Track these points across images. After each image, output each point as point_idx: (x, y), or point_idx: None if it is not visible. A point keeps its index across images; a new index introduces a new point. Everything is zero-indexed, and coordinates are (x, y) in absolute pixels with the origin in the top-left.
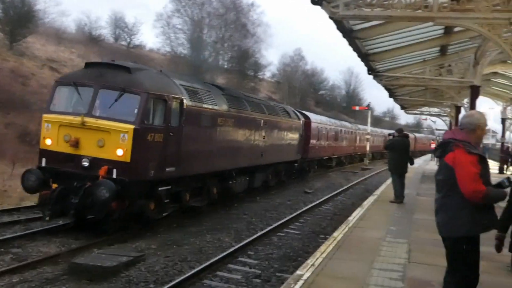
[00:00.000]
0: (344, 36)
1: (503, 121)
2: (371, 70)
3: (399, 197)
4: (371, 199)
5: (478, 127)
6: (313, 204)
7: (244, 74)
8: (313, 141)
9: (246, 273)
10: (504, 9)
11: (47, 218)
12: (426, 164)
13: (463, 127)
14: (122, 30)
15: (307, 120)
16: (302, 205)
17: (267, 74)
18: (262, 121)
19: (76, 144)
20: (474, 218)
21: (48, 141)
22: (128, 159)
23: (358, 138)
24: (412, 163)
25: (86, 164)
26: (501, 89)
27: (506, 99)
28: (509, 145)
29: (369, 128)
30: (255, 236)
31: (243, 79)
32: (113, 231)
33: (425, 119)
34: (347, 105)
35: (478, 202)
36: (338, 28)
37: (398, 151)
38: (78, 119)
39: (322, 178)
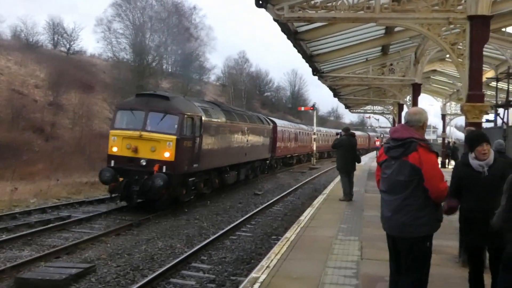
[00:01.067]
0: (289, 38)
1: (443, 117)
2: (315, 71)
3: (348, 195)
4: (320, 198)
5: (424, 124)
6: (264, 205)
7: (189, 77)
8: (279, 143)
9: (200, 279)
10: (442, 9)
11: (118, 201)
12: (371, 161)
13: (412, 124)
14: (61, 36)
15: (274, 125)
16: (252, 207)
17: (212, 77)
18: (246, 128)
19: (136, 150)
20: (434, 215)
21: (115, 149)
22: (173, 159)
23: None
24: (359, 161)
25: (144, 163)
26: (440, 86)
27: (445, 95)
28: (450, 140)
29: (315, 128)
30: (207, 241)
31: (188, 82)
32: (164, 207)
33: (369, 117)
34: (293, 106)
35: (439, 201)
36: (283, 30)
37: (346, 149)
38: (136, 133)
39: (271, 180)
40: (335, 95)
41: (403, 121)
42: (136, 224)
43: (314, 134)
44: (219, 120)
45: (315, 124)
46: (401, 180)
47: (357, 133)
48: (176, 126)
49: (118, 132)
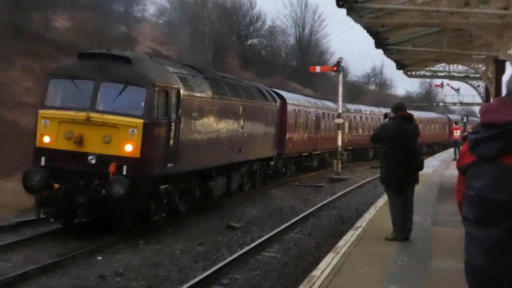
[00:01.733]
0: None
1: None
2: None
3: (400, 229)
4: (351, 235)
5: None
6: (246, 249)
7: (105, 10)
8: (290, 133)
9: None
10: None
11: (52, 220)
12: (445, 166)
13: None
14: None
15: (283, 102)
16: (224, 251)
17: (150, 9)
18: (241, 107)
19: (80, 141)
20: None
21: (47, 139)
22: (138, 155)
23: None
24: (420, 167)
25: (93, 161)
26: None
27: None
28: None
29: (340, 105)
30: None
31: (106, 19)
32: (128, 229)
33: (440, 86)
34: (300, 64)
35: None
36: None
37: (394, 145)
38: (82, 114)
39: (260, 200)
40: (379, 45)
41: (503, 93)
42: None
43: (338, 116)
44: (203, 95)
45: (340, 97)
46: (502, 199)
47: (421, 114)
48: (143, 104)
49: (52, 112)
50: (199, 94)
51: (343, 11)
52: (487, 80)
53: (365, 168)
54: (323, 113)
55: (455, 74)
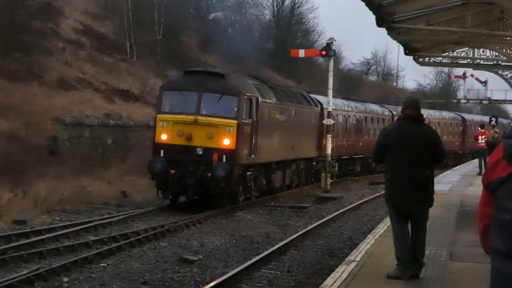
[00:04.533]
0: None
1: None
2: None
3: (407, 264)
4: (341, 271)
5: None
6: None
7: None
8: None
9: None
10: None
11: (170, 197)
12: (466, 182)
13: None
14: None
15: (321, 107)
16: None
17: None
18: (293, 111)
19: (189, 137)
20: None
21: (164, 136)
22: (234, 147)
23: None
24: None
25: (200, 152)
26: None
27: None
28: None
29: (330, 100)
30: None
31: None
32: (224, 205)
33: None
34: (279, 45)
35: None
36: None
37: (400, 154)
38: (190, 117)
39: (223, 225)
40: (381, 22)
41: None
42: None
43: (328, 116)
44: (271, 101)
45: (330, 91)
46: None
47: (432, 113)
48: (236, 108)
49: (167, 116)
50: (268, 101)
51: None
52: None
53: (363, 184)
54: (365, 117)
55: (482, 62)
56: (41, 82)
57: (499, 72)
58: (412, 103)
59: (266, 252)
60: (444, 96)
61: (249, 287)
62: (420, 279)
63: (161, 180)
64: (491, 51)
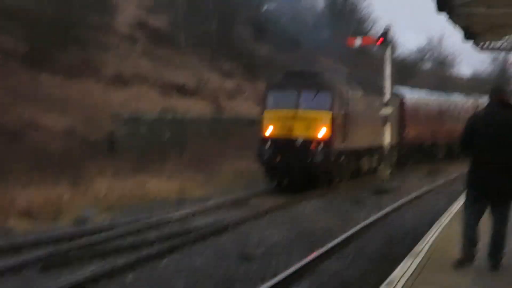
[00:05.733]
0: None
1: None
2: None
3: (471, 246)
4: (409, 263)
5: None
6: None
7: None
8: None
9: None
10: None
11: (276, 182)
12: None
13: None
14: None
15: (401, 98)
16: None
17: None
18: (378, 102)
19: (291, 128)
20: None
21: (270, 129)
22: (329, 136)
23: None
24: None
25: (300, 141)
26: None
27: None
28: None
29: (388, 89)
30: None
31: None
32: (324, 185)
33: None
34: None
35: None
36: None
37: (487, 139)
38: (292, 111)
39: (283, 218)
40: (443, 6)
41: None
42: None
43: (385, 104)
44: (358, 94)
45: (388, 80)
46: None
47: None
48: (329, 102)
49: (273, 112)
50: (357, 93)
51: None
52: None
53: (420, 173)
54: (449, 105)
55: None
56: (97, 77)
57: None
58: (501, 88)
59: (329, 245)
60: (500, 83)
61: (313, 280)
62: (503, 268)
63: (270, 165)
64: None
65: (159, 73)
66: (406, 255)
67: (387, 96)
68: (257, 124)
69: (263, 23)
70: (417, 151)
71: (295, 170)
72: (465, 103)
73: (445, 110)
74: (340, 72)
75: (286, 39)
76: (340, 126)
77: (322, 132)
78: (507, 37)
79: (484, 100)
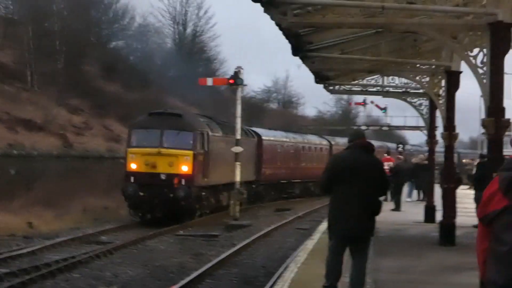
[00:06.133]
0: None
1: None
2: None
3: (332, 286)
4: None
5: None
6: None
7: None
8: (266, 163)
9: None
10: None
11: (140, 214)
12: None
13: None
14: None
15: (258, 138)
16: None
17: None
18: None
19: (154, 165)
20: None
21: (133, 165)
22: (190, 172)
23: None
24: (375, 211)
25: (163, 177)
26: None
27: None
28: None
29: (239, 128)
30: None
31: None
32: (184, 221)
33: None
34: (182, 73)
35: None
36: None
37: (350, 181)
38: (155, 149)
39: (135, 255)
40: (297, 51)
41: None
42: None
43: (236, 144)
44: (218, 134)
45: (239, 119)
46: None
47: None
48: (191, 141)
49: (136, 150)
50: (216, 134)
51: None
52: (435, 97)
53: (269, 210)
54: (303, 146)
55: (391, 90)
56: None
57: (408, 99)
58: (361, 133)
59: (182, 282)
60: (344, 122)
61: None
62: None
63: (132, 201)
64: (400, 79)
65: (5, 109)
66: None
67: (238, 135)
68: (106, 160)
69: (112, 61)
70: (273, 188)
71: (158, 204)
72: (319, 143)
73: (300, 149)
74: (200, 114)
75: (135, 77)
76: (201, 163)
77: (184, 169)
78: (356, 81)
79: (339, 141)
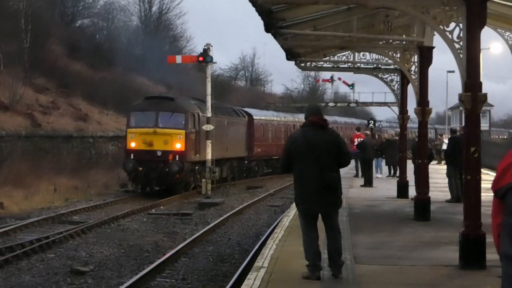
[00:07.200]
0: None
1: None
2: None
3: (315, 265)
4: (253, 279)
5: None
6: None
7: None
8: (257, 141)
9: None
10: None
11: (139, 189)
12: (346, 185)
13: None
14: None
15: (250, 118)
16: None
17: None
18: (226, 121)
19: (151, 143)
20: None
21: (133, 144)
22: (183, 149)
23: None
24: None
25: (159, 154)
26: None
27: None
28: None
29: (209, 105)
30: None
31: None
32: (180, 192)
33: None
34: (148, 51)
35: None
36: None
37: (306, 159)
38: (151, 129)
39: (109, 234)
40: (270, 27)
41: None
42: None
43: (207, 122)
44: (208, 115)
45: (209, 97)
46: None
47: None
48: (183, 122)
49: (134, 130)
50: (206, 115)
51: None
52: (408, 72)
53: (240, 188)
54: (294, 125)
55: (362, 66)
56: None
57: (379, 75)
58: (315, 110)
59: (158, 261)
60: (311, 99)
61: None
62: (340, 278)
63: (132, 175)
64: (371, 55)
65: None
66: (236, 271)
67: (208, 113)
68: (75, 139)
69: (77, 40)
70: (266, 164)
71: (155, 178)
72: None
73: (291, 127)
74: (191, 97)
75: (101, 56)
76: (192, 141)
77: (177, 146)
78: (327, 58)
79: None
